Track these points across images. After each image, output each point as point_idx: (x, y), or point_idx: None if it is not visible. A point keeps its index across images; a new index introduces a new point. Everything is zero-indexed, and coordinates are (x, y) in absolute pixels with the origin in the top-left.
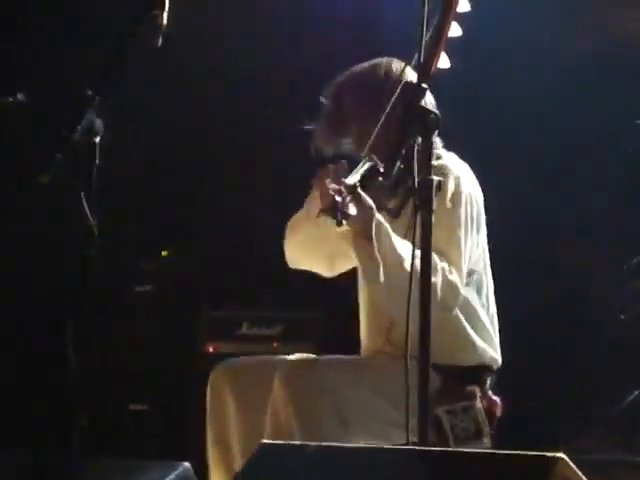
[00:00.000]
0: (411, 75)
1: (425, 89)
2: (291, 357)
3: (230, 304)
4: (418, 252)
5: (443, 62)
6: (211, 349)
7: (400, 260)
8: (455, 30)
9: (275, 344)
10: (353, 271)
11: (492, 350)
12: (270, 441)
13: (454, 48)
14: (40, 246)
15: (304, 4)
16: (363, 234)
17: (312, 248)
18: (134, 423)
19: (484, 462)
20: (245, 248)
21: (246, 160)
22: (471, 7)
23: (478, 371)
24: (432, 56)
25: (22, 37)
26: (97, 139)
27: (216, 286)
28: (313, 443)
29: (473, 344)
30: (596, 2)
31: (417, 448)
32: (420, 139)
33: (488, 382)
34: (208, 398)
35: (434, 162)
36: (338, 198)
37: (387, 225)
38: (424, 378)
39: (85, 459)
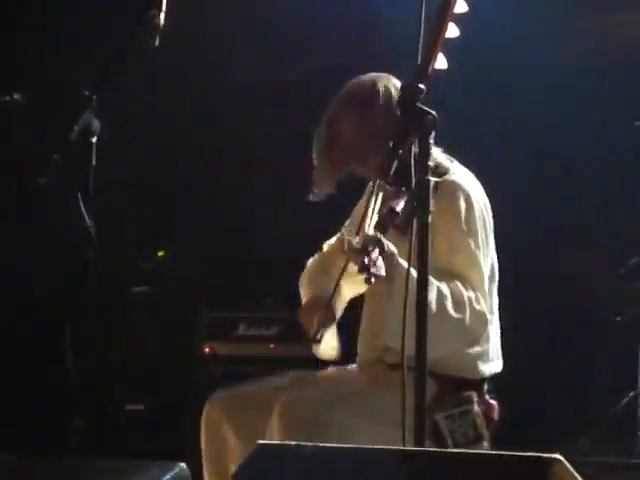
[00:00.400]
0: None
1: (422, 90)
2: (286, 380)
3: (228, 305)
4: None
5: (440, 63)
6: (208, 350)
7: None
8: (453, 31)
9: (272, 345)
10: None
11: (493, 364)
12: (266, 441)
13: (452, 49)
14: (40, 246)
15: (305, 4)
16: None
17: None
18: (131, 423)
19: (480, 463)
20: (243, 248)
21: (246, 160)
22: (468, 8)
23: (476, 381)
24: (429, 57)
25: (21, 37)
26: (94, 139)
27: (214, 287)
28: (310, 444)
29: (475, 364)
30: (595, 4)
31: (414, 449)
32: (417, 140)
33: (485, 387)
34: (203, 431)
35: (445, 178)
36: (366, 260)
37: (412, 271)
38: (421, 394)
39: (82, 459)
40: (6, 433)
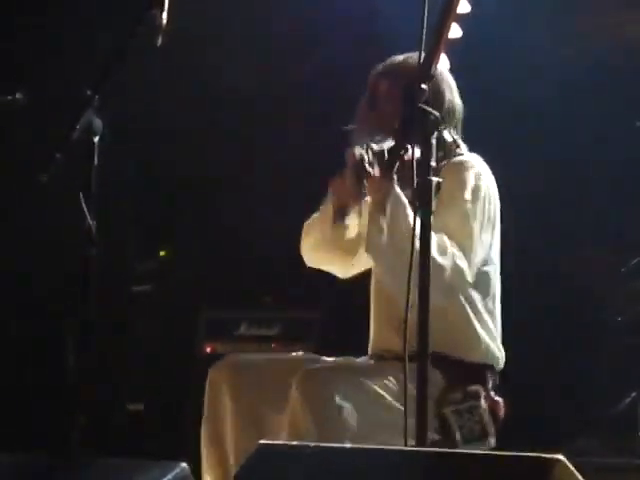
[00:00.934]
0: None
1: (425, 90)
2: (296, 356)
3: (229, 304)
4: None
5: (443, 63)
6: (209, 349)
7: (409, 233)
8: (455, 31)
9: (274, 345)
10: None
11: (496, 348)
12: (268, 441)
13: (454, 49)
14: (40, 246)
15: (304, 6)
16: (380, 204)
17: (327, 249)
18: (132, 423)
19: (482, 463)
20: (244, 248)
21: (246, 160)
22: (471, 9)
23: (482, 370)
24: (432, 57)
25: (22, 37)
26: (96, 139)
27: (214, 286)
28: (312, 444)
29: (478, 338)
30: (595, 4)
31: (415, 449)
32: (420, 140)
33: (491, 383)
34: (206, 396)
35: (457, 158)
36: (365, 161)
37: (404, 199)
38: (423, 375)
39: (84, 459)
40: (6, 433)
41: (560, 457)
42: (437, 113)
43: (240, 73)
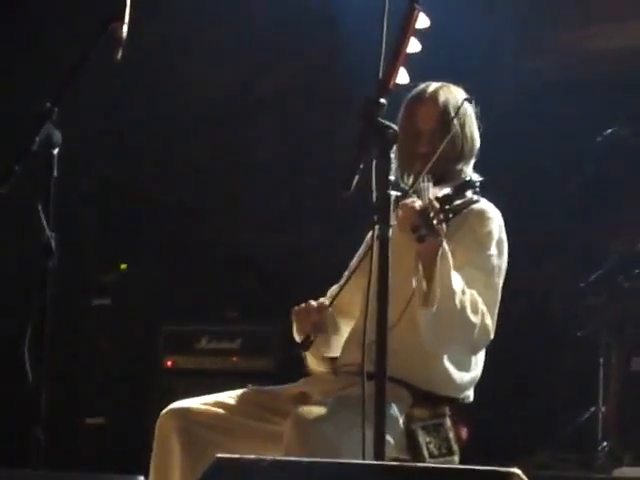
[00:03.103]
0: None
1: (384, 104)
2: (245, 396)
3: (190, 318)
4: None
5: (402, 78)
6: (170, 363)
7: (452, 292)
8: (414, 46)
9: (234, 358)
10: (319, 285)
11: (468, 390)
12: (225, 455)
13: (413, 64)
14: None
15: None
16: (431, 257)
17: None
18: (92, 437)
19: (439, 476)
20: (206, 262)
21: (207, 175)
22: (430, 24)
23: (448, 401)
24: (391, 71)
25: None
26: (55, 151)
27: (176, 300)
28: (269, 457)
29: (449, 376)
30: (560, 21)
31: (374, 463)
32: (378, 154)
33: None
34: (155, 440)
35: (479, 205)
36: (431, 213)
37: (450, 255)
38: (381, 392)
39: (42, 473)
40: None
41: (516, 471)
42: (395, 127)
43: (209, 89)
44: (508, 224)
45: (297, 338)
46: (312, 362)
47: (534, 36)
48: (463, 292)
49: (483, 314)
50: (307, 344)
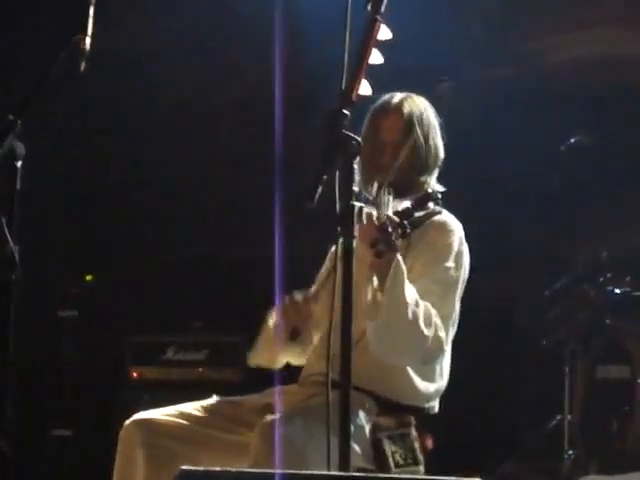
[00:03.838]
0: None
1: (347, 115)
2: (211, 406)
3: (156, 329)
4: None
5: (364, 89)
6: (136, 374)
7: (405, 304)
8: (376, 57)
9: (201, 369)
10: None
11: (433, 400)
12: (190, 467)
13: (374, 77)
14: None
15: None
16: (385, 270)
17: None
18: (58, 448)
19: None
20: (171, 272)
21: (179, 187)
22: (392, 36)
23: (413, 410)
24: (353, 82)
25: None
26: (18, 163)
27: (141, 311)
28: (234, 469)
29: (414, 386)
30: (525, 30)
31: (342, 474)
32: (342, 166)
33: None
34: (118, 451)
35: (440, 217)
36: (390, 228)
37: (404, 268)
38: (346, 402)
39: None
40: None
41: None
42: (358, 138)
43: (174, 94)
44: (472, 233)
45: (273, 333)
46: (288, 356)
47: (498, 45)
48: (417, 304)
49: (437, 327)
50: (295, 334)
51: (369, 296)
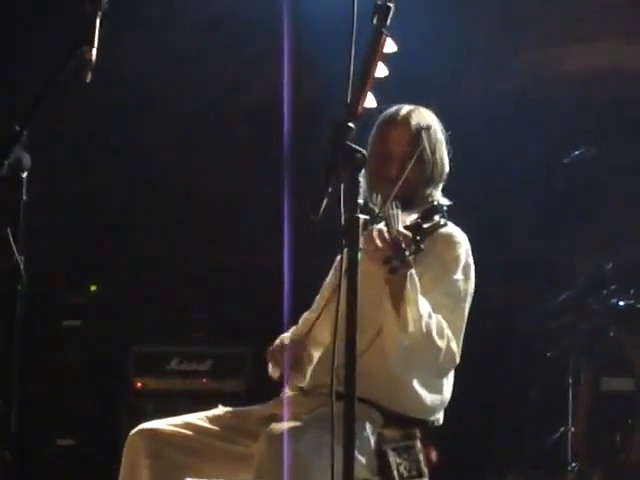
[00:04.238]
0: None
1: (352, 128)
2: (218, 417)
3: (160, 339)
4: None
5: (370, 102)
6: (140, 384)
7: (419, 317)
8: (381, 70)
9: (204, 379)
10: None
11: (438, 412)
12: (194, 479)
13: (381, 87)
14: None
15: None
16: (400, 284)
17: None
18: (62, 458)
19: None
20: (176, 282)
21: (179, 193)
22: (397, 47)
23: (417, 422)
24: (359, 95)
25: None
26: (24, 174)
27: (146, 321)
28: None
29: (419, 398)
30: (528, 42)
31: None
32: (347, 177)
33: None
34: (123, 461)
35: (446, 229)
36: (403, 244)
37: (417, 281)
38: (350, 414)
39: None
40: None
41: None
42: (364, 151)
43: (176, 106)
44: (477, 245)
45: (273, 375)
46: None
47: (501, 57)
48: (429, 316)
49: (449, 339)
50: (284, 382)
51: (385, 307)
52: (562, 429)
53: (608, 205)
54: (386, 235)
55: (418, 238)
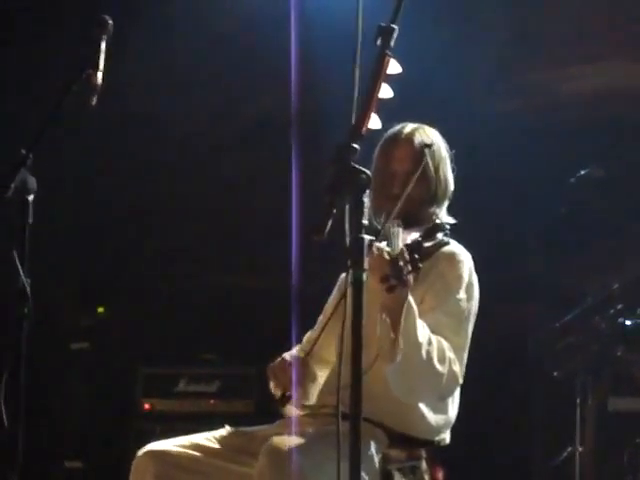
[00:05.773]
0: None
1: (356, 149)
2: (224, 437)
3: (168, 361)
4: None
5: (374, 123)
6: (147, 406)
7: (418, 345)
8: (386, 92)
9: (212, 401)
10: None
11: (444, 432)
12: None
13: (386, 109)
14: None
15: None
16: (396, 310)
17: None
18: None
19: None
20: (183, 304)
21: (186, 217)
22: (402, 68)
23: (425, 441)
24: (363, 117)
25: None
26: (30, 197)
27: (153, 342)
28: None
29: (429, 425)
30: (530, 62)
31: None
32: (351, 199)
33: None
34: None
35: (449, 248)
36: (401, 263)
37: (415, 307)
38: (356, 434)
39: None
40: None
41: None
42: (368, 172)
43: (177, 127)
44: (482, 264)
45: (274, 393)
46: (289, 410)
47: (506, 79)
48: (429, 342)
49: (450, 361)
50: (285, 400)
51: (380, 333)
52: (570, 449)
53: (615, 224)
54: (385, 254)
55: (417, 257)
